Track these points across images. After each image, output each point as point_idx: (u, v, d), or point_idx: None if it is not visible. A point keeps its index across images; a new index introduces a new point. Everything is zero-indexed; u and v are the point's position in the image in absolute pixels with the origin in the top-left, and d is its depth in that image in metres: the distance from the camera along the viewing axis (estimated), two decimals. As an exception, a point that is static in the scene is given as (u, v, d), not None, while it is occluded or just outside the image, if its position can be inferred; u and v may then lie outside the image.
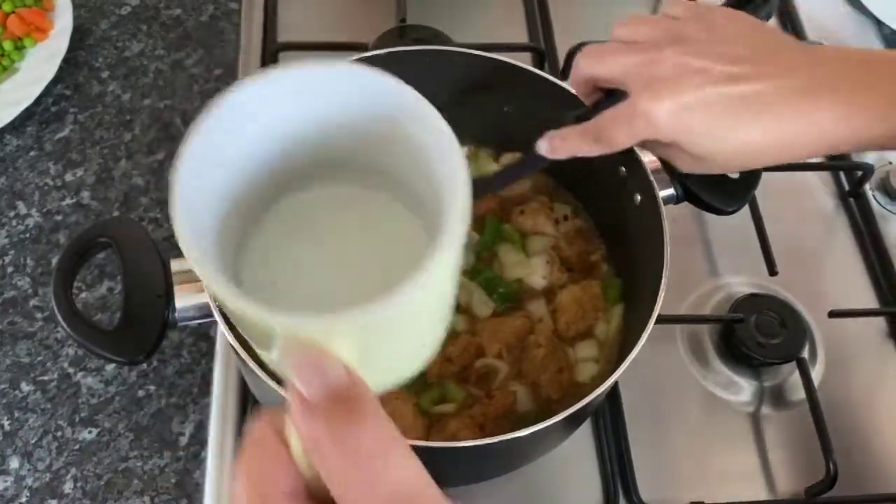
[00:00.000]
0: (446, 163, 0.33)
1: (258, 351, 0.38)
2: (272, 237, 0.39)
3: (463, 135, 0.89)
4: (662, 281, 0.63)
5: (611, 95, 0.61)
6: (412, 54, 0.74)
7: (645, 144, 0.62)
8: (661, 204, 0.67)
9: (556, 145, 0.63)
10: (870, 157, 0.97)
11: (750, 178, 0.72)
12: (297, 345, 0.32)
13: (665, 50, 0.58)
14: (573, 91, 0.65)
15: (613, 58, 0.60)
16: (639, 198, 0.70)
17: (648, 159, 0.71)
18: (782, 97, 0.57)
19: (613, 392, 0.78)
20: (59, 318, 0.58)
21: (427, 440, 0.65)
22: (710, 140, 0.58)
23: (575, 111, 0.63)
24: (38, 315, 0.84)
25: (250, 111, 0.35)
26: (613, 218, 0.75)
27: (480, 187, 0.70)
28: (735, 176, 0.73)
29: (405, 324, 0.33)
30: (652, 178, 0.68)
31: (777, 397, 0.81)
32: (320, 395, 0.30)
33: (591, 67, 0.62)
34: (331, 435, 0.30)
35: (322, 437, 0.30)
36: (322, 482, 0.31)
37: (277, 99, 0.35)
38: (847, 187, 0.95)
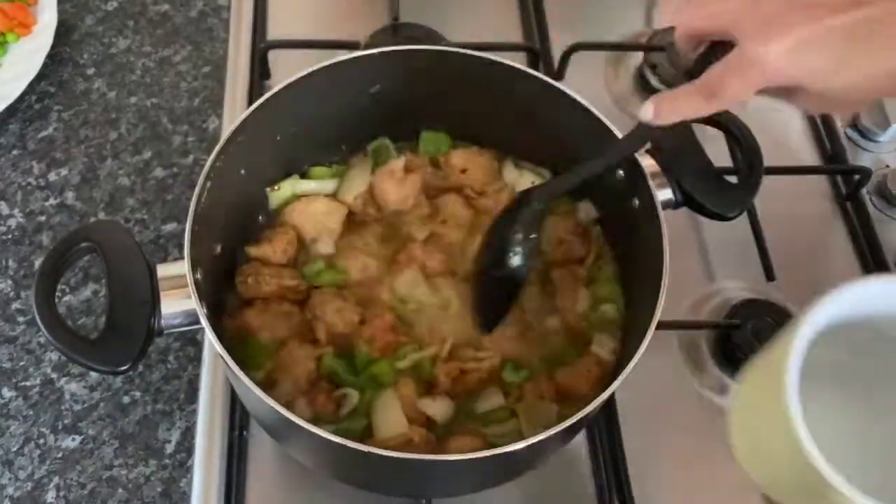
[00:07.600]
0: None
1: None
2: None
3: (455, 134, 0.85)
4: (661, 289, 0.61)
5: (717, 48, 0.57)
6: (405, 53, 0.73)
7: (766, 92, 0.57)
8: (660, 209, 0.65)
9: (664, 109, 0.58)
10: (867, 161, 0.96)
11: (750, 183, 0.71)
12: None
13: None
14: (678, 48, 0.60)
15: (714, 5, 0.56)
16: (637, 202, 0.68)
17: (647, 163, 0.69)
18: None
19: (608, 399, 0.76)
20: (42, 326, 0.56)
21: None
22: (834, 75, 0.53)
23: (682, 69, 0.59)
24: (20, 319, 0.82)
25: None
26: (613, 224, 0.74)
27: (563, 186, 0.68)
28: (734, 180, 0.72)
29: None
30: (651, 182, 0.67)
31: (774, 405, 0.80)
32: None
33: (692, 20, 0.58)
34: None
35: None
36: None
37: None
38: (844, 191, 0.94)
